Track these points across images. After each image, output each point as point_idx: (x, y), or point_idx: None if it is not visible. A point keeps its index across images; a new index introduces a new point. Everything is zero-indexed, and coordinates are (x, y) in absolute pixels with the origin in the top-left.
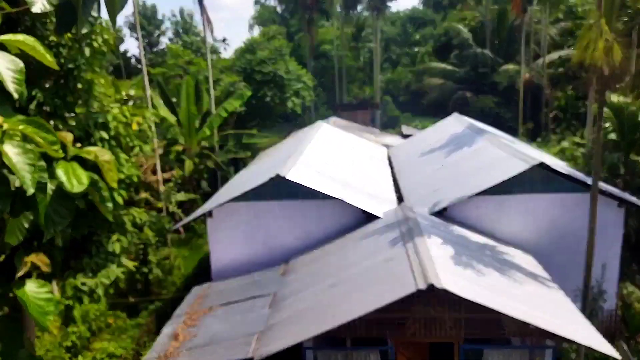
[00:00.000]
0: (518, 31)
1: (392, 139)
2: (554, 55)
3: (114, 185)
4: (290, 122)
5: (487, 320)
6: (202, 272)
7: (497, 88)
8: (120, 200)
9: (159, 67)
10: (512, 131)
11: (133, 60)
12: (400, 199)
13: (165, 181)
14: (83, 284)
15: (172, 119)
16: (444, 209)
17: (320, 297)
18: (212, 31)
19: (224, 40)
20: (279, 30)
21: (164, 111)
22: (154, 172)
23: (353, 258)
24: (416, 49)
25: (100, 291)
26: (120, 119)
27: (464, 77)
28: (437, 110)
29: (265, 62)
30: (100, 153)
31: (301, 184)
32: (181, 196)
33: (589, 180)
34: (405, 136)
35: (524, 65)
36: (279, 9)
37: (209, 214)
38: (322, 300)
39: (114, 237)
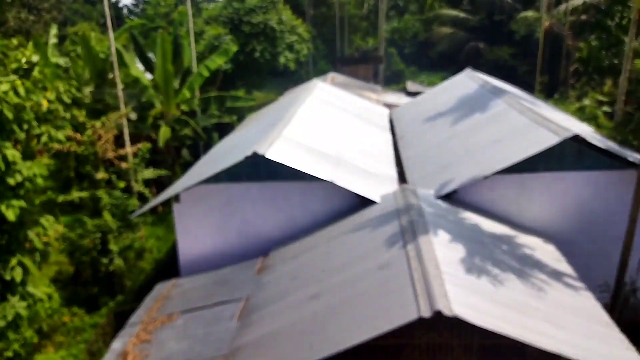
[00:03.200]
0: None
1: (396, 97)
2: (578, 1)
3: None
4: (285, 77)
5: (505, 347)
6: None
7: (514, 38)
8: (11, 215)
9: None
10: (527, 86)
11: (125, 11)
12: (402, 174)
13: (134, 155)
14: None
15: (146, 79)
16: (454, 191)
17: (299, 313)
18: None
19: None
20: None
21: (136, 70)
22: (123, 144)
23: (341, 259)
24: None
25: None
26: (11, 98)
27: (478, 26)
28: (446, 64)
29: (255, 11)
30: None
31: (283, 163)
32: (149, 173)
33: (628, 154)
34: (410, 93)
35: (544, 11)
36: None
37: (176, 198)
38: (300, 319)
39: (13, 260)
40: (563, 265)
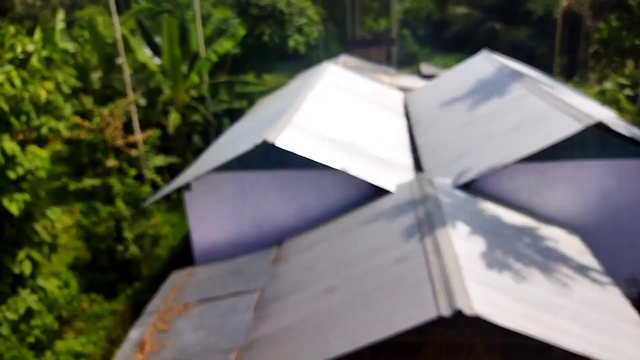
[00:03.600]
0: None
1: (410, 81)
2: None
3: None
4: (296, 60)
5: (530, 347)
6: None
7: (531, 18)
8: (14, 209)
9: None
10: (545, 67)
11: None
12: (417, 161)
13: (145, 142)
14: None
15: (154, 64)
16: (472, 180)
17: (315, 306)
18: None
19: None
20: None
21: (143, 55)
22: (133, 131)
23: (356, 251)
24: None
25: (4, 330)
26: (6, 90)
27: (493, 6)
28: (461, 45)
29: None
30: None
31: (294, 152)
32: (160, 160)
33: None
34: (425, 76)
35: None
36: None
37: (187, 186)
38: (316, 313)
39: (21, 254)
40: (588, 259)
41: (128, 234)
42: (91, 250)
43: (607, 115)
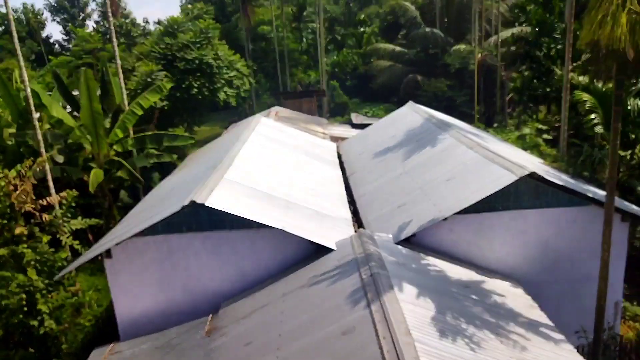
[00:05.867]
0: (467, 8)
1: (342, 130)
2: (506, 33)
3: None
4: (229, 111)
5: None
6: None
7: (449, 70)
8: None
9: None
10: (465, 115)
11: (57, 47)
12: (355, 213)
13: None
14: None
15: (71, 120)
16: (412, 234)
17: None
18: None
19: (145, 21)
20: (205, 8)
21: (58, 110)
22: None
23: (298, 320)
24: (362, 29)
25: None
26: None
27: (414, 59)
28: (387, 95)
29: (189, 46)
30: None
31: (226, 211)
32: (77, 223)
33: (586, 189)
34: (355, 125)
35: (476, 44)
36: None
37: (107, 253)
38: None
39: None
40: (537, 313)
41: (43, 307)
42: (2, 326)
43: (537, 164)
